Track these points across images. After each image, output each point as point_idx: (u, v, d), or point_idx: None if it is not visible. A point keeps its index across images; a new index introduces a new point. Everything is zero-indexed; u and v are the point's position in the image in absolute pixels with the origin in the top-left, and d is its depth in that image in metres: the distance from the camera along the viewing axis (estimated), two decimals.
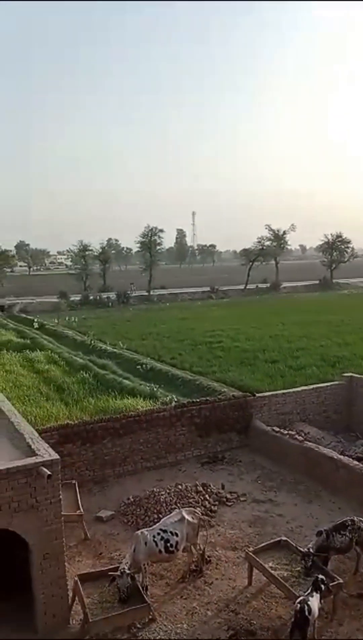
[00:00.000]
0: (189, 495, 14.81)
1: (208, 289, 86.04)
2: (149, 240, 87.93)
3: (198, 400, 19.26)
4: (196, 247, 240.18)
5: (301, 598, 9.37)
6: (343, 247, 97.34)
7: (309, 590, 9.58)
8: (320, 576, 9.92)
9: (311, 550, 10.64)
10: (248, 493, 15.44)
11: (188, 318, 53.36)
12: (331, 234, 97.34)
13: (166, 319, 53.49)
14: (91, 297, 75.95)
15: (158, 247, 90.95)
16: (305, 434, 18.32)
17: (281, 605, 10.57)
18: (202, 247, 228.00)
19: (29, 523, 9.68)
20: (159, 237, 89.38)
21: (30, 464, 9.65)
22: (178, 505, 13.89)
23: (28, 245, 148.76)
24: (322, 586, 9.71)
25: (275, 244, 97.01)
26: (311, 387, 21.11)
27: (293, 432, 17.88)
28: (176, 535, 11.18)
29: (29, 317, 58.51)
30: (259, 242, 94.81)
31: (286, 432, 17.90)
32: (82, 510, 13.17)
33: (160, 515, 13.25)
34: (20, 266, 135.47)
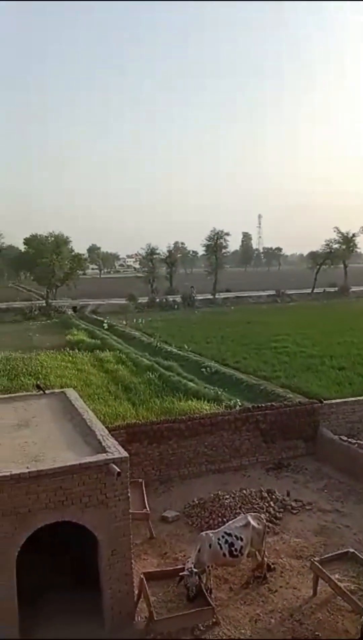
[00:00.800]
0: (253, 500, 14.74)
1: (273, 292, 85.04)
2: (215, 243, 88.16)
3: (263, 405, 19.11)
4: (261, 250, 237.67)
5: None
6: None
7: None
8: None
9: None
10: (314, 502, 15.15)
11: (252, 322, 52.96)
12: None
13: (231, 322, 53.34)
14: (158, 300, 77.03)
15: (224, 250, 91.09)
16: None
17: (348, 618, 10.31)
18: (268, 250, 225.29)
19: (98, 518, 10.01)
20: (224, 240, 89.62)
21: (101, 461, 9.97)
22: (242, 510, 13.86)
23: (99, 248, 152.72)
24: None
25: (344, 247, 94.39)
26: None
27: (362, 442, 17.37)
28: (241, 539, 11.17)
29: (99, 318, 60.18)
30: (327, 245, 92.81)
31: (354, 441, 17.42)
32: (148, 509, 13.41)
33: (224, 519, 13.28)
34: (92, 269, 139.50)
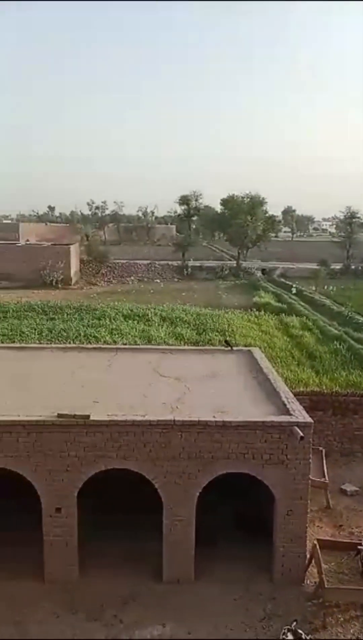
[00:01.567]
0: None
1: None
2: None
3: None
4: None
5: None
6: None
7: None
8: None
9: None
10: None
11: None
12: None
13: None
14: (353, 267, 73.02)
15: None
16: None
17: None
18: None
19: (277, 477, 10.10)
20: None
21: (286, 422, 9.98)
22: None
23: (294, 211, 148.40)
24: None
25: None
26: None
27: None
28: None
29: (287, 282, 59.42)
30: None
31: None
32: (327, 478, 13.15)
33: None
34: (285, 232, 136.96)
